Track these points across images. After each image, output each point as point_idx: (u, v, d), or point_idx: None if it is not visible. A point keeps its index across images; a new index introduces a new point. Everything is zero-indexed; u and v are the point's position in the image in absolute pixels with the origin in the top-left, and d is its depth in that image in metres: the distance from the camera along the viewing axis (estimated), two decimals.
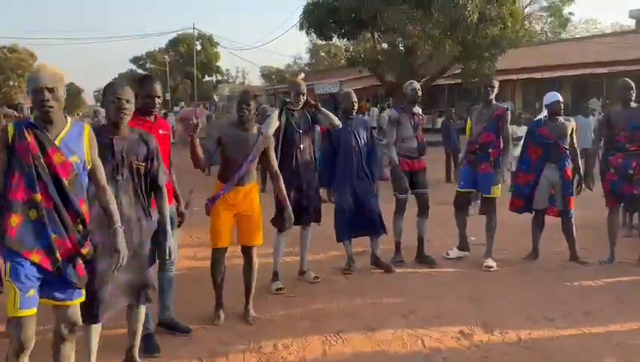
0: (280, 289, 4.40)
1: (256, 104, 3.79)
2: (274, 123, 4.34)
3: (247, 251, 3.80)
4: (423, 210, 5.16)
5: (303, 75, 9.56)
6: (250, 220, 3.74)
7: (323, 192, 4.78)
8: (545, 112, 5.22)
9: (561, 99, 5.10)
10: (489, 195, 5.07)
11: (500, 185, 5.03)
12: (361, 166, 4.74)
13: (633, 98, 4.94)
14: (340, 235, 4.83)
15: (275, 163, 3.89)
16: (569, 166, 5.05)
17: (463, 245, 5.33)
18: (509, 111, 5.19)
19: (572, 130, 5.11)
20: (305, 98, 4.49)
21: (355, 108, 4.83)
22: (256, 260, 3.82)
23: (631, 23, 29.06)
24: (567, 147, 5.07)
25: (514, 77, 19.96)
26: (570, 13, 31.99)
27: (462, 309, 4.01)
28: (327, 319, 3.85)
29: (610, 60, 18.28)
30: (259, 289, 4.38)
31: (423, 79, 17.15)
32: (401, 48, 15.68)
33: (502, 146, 5.01)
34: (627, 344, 3.39)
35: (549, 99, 5.13)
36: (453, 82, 19.70)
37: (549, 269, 5.00)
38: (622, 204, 5.28)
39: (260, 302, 4.15)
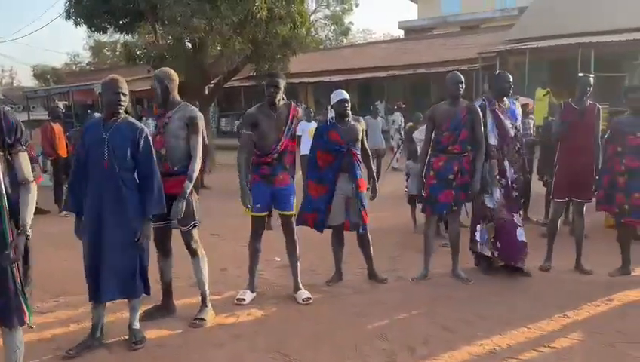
0: None
1: None
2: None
3: None
4: (189, 250, 3.80)
5: None
6: None
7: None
8: (332, 113, 4.46)
9: (346, 97, 4.32)
10: (289, 212, 4.19)
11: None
12: (116, 196, 3.23)
13: (461, 94, 4.44)
14: (89, 294, 3.32)
15: None
16: (362, 175, 4.37)
17: (252, 285, 4.22)
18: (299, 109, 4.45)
19: (363, 131, 4.41)
20: None
21: (122, 104, 3.28)
22: None
23: (400, 33, 32.53)
24: (359, 152, 4.38)
25: (306, 80, 20.32)
26: (351, 23, 34.50)
27: None
28: None
29: (387, 65, 19.84)
30: None
31: (215, 79, 16.08)
32: (188, 44, 14.30)
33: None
34: None
35: (334, 98, 4.33)
36: (248, 84, 19.15)
37: (360, 291, 4.34)
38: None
39: None
